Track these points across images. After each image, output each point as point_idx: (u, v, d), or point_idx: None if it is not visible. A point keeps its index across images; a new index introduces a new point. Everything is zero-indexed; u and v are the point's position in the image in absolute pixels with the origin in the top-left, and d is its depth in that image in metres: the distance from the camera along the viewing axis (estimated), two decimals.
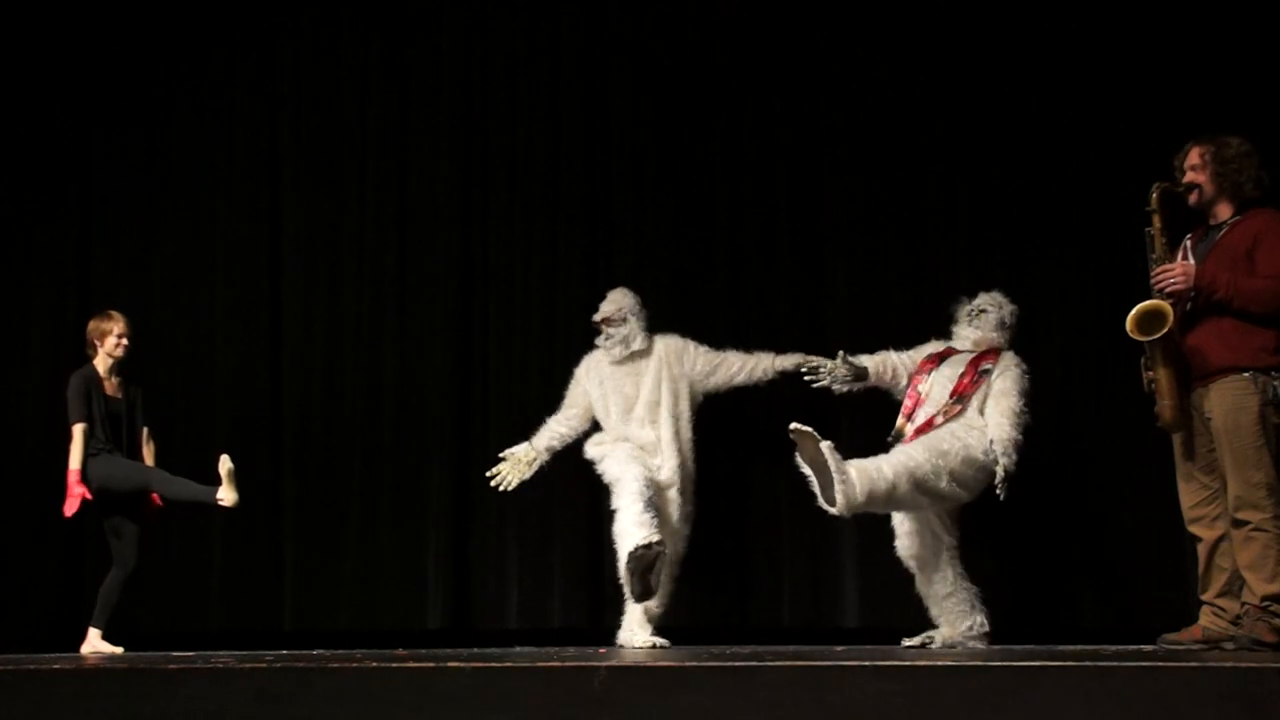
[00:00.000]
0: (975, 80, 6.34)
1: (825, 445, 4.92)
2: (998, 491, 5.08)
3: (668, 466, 5.69)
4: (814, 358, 5.73)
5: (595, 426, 5.92)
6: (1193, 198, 4.65)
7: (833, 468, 4.89)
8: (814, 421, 5.04)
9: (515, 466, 5.88)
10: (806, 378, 5.68)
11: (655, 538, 5.29)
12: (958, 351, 5.56)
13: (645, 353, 5.85)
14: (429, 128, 6.81)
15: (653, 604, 5.61)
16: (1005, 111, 6.29)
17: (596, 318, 5.85)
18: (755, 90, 6.58)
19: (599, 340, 5.86)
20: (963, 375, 5.39)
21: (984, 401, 5.34)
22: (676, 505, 5.68)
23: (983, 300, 5.59)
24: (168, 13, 6.94)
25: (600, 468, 5.74)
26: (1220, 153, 4.59)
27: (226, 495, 5.49)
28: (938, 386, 5.43)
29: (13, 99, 6.87)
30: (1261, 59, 5.99)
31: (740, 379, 5.88)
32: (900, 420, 5.46)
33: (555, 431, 5.91)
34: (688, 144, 6.60)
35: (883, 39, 6.46)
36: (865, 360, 5.65)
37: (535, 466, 5.90)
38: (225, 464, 5.50)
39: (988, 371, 5.38)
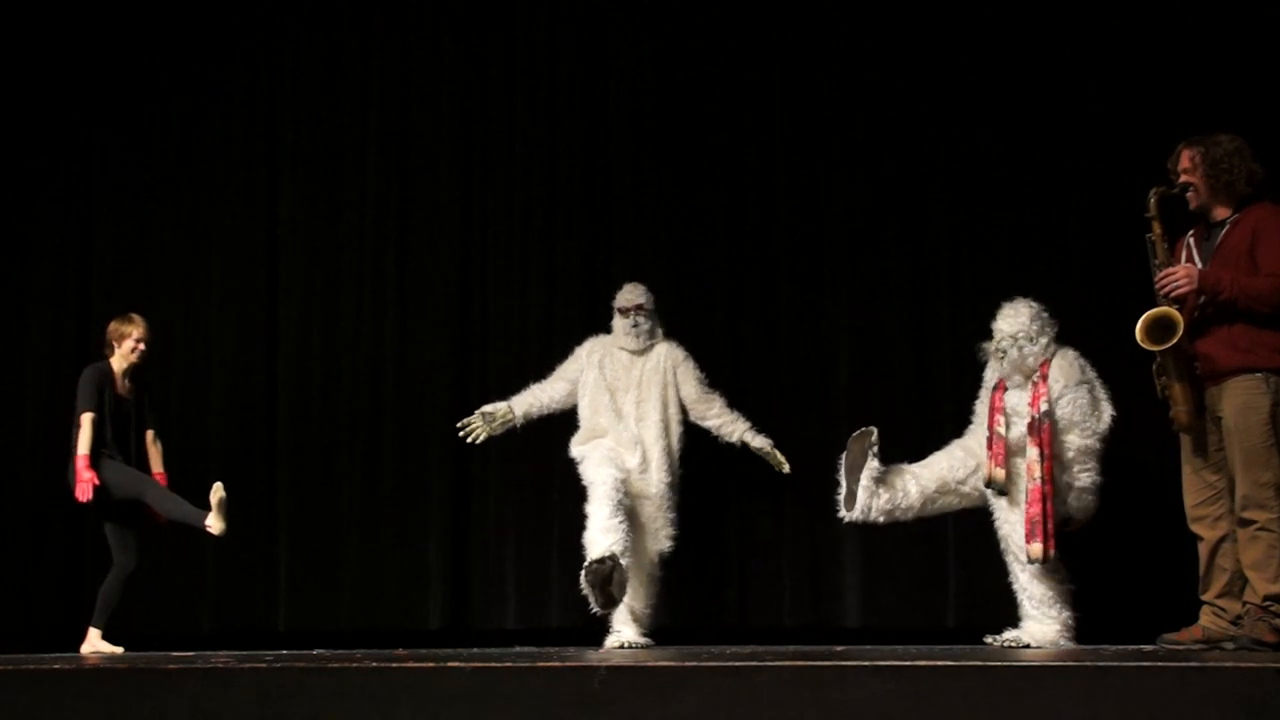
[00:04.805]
0: (975, 83, 6.32)
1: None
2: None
3: (651, 470, 5.68)
4: (779, 455, 5.78)
5: (574, 409, 5.88)
6: (1190, 198, 4.64)
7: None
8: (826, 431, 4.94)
9: (489, 424, 5.87)
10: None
11: (610, 551, 5.24)
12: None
13: (649, 352, 5.83)
14: (429, 129, 6.81)
15: (638, 605, 5.62)
16: (1006, 114, 6.27)
17: (628, 305, 5.79)
18: (755, 90, 6.57)
19: (625, 327, 5.79)
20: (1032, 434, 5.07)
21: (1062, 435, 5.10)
22: (658, 508, 5.68)
23: (998, 337, 5.27)
24: (168, 12, 6.93)
25: (580, 469, 5.72)
26: (1210, 153, 4.56)
27: (215, 524, 5.47)
28: (1016, 417, 5.18)
29: (13, 99, 6.87)
30: (1260, 58, 5.98)
31: (711, 428, 5.84)
32: (991, 468, 5.19)
33: (537, 399, 5.89)
34: (688, 145, 6.60)
35: (883, 41, 6.44)
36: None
37: (506, 427, 5.89)
38: (218, 492, 5.47)
39: (1048, 415, 5.07)
